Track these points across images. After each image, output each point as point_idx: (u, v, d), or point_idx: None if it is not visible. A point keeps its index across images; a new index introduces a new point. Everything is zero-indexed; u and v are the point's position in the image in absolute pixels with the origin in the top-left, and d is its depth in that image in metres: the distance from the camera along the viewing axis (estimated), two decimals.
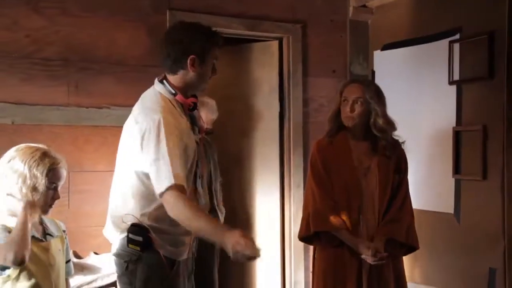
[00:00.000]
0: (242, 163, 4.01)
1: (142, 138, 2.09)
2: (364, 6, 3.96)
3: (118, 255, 2.23)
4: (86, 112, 3.22)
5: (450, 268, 3.42)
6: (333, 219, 2.64)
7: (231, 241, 1.91)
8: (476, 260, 3.24)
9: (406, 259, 3.73)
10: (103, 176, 3.19)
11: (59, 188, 2.07)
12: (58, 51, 3.16)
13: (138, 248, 2.13)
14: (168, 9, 3.43)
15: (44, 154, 2.00)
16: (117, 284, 2.30)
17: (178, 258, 2.24)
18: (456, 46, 3.38)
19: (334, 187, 2.70)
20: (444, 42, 3.45)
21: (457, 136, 3.39)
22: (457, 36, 3.38)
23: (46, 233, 2.10)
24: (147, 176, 2.10)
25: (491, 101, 3.18)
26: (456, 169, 3.39)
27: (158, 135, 2.05)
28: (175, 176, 2.01)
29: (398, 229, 2.70)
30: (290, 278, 3.89)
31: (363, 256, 2.63)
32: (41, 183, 1.97)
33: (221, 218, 3.66)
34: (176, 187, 2.01)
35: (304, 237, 2.79)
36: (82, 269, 3.02)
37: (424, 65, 3.64)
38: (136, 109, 2.23)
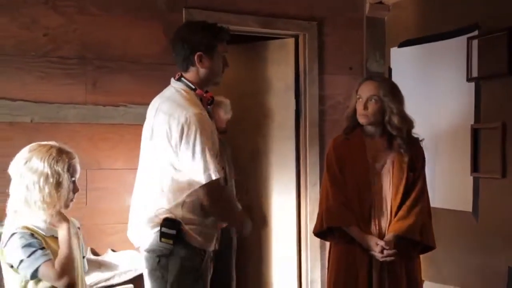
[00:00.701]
0: (258, 161, 4.03)
1: (182, 131, 2.19)
2: (381, 2, 3.95)
3: (150, 250, 2.29)
4: (104, 110, 3.24)
5: (468, 266, 3.43)
6: (344, 215, 2.66)
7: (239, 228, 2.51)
8: (494, 258, 3.24)
9: (422, 258, 3.76)
10: (120, 173, 3.23)
11: (77, 182, 2.09)
12: (75, 49, 3.19)
13: (171, 242, 2.21)
14: (184, 7, 3.44)
15: (60, 150, 2.02)
16: (148, 279, 2.35)
17: (208, 248, 2.34)
18: (475, 43, 3.38)
19: (347, 184, 2.70)
20: (462, 39, 3.44)
21: (475, 133, 3.39)
22: (476, 33, 3.37)
23: None
24: (181, 167, 2.24)
25: (510, 98, 3.17)
26: (475, 167, 3.39)
27: (197, 129, 2.18)
28: (219, 170, 2.21)
29: (411, 227, 2.66)
30: (306, 276, 3.90)
31: (372, 253, 2.63)
32: (65, 178, 1.99)
33: None
34: (219, 180, 2.23)
35: (318, 233, 2.84)
36: (100, 266, 3.05)
37: (442, 62, 3.64)
38: (165, 106, 2.29)
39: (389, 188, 2.70)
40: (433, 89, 3.71)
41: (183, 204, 2.24)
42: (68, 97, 3.16)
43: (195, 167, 2.18)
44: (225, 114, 3.67)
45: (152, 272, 2.30)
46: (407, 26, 3.92)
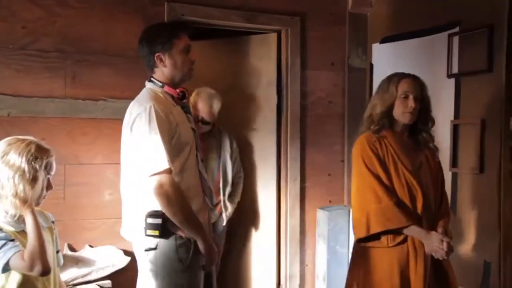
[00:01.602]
0: (240, 155, 4.01)
1: (134, 122, 2.26)
2: None
3: (140, 245, 2.34)
4: (83, 104, 3.19)
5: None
6: (403, 215, 2.53)
7: (205, 249, 2.29)
8: (471, 252, 3.28)
9: None
10: (100, 168, 3.20)
11: (51, 179, 2.07)
12: (54, 42, 3.13)
13: (157, 233, 2.24)
14: (166, 1, 3.40)
15: (39, 147, 2.00)
16: (141, 274, 2.40)
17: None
18: (455, 39, 3.42)
19: (394, 184, 2.61)
20: (443, 35, 3.48)
21: (455, 129, 3.43)
22: (456, 29, 3.41)
23: None
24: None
25: (490, 94, 3.21)
26: (454, 162, 3.44)
27: (149, 120, 2.22)
28: (168, 161, 2.19)
29: (449, 223, 2.66)
30: (285, 271, 3.90)
31: (429, 251, 2.53)
32: (41, 175, 1.98)
33: (224, 215, 3.69)
34: (170, 171, 2.21)
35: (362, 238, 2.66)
36: (77, 262, 3.02)
37: (423, 58, 3.67)
38: (131, 105, 2.38)
39: (430, 185, 2.65)
40: None
41: None
42: (46, 90, 3.10)
43: (143, 157, 2.22)
44: (204, 105, 3.63)
45: (147, 266, 2.33)
46: (389, 22, 3.94)
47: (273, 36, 3.91)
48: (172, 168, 2.22)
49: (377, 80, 3.99)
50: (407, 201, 2.58)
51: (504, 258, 3.11)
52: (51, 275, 2.03)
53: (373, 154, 2.61)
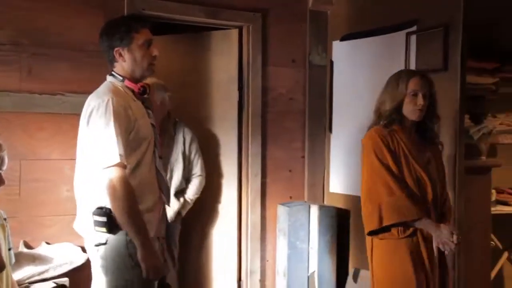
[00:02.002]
0: (200, 151, 3.99)
1: (90, 115, 2.24)
2: None
3: (90, 240, 2.32)
4: (39, 98, 3.12)
5: None
6: (415, 208, 2.56)
7: (142, 255, 2.21)
8: None
9: (361, 247, 3.82)
10: (57, 164, 3.13)
11: (3, 174, 2.02)
12: (9, 34, 3.05)
13: (104, 229, 2.21)
14: None
15: None
16: (93, 269, 2.37)
17: None
18: (413, 38, 3.40)
19: (405, 177, 2.63)
20: (401, 34, 3.47)
21: None
22: (414, 28, 3.40)
23: None
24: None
25: (445, 92, 3.18)
26: None
27: (105, 113, 2.21)
28: (121, 155, 2.18)
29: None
30: (246, 267, 3.91)
31: (437, 243, 2.58)
32: None
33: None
34: (122, 165, 2.19)
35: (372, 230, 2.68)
36: (34, 259, 2.96)
37: (382, 56, 3.65)
38: (89, 98, 2.35)
39: (437, 180, 2.69)
40: (373, 82, 3.67)
41: None
42: (1, 84, 3.02)
43: (96, 150, 2.21)
44: (157, 98, 3.55)
45: (96, 262, 2.31)
46: (349, 20, 3.92)
47: (235, 32, 3.90)
48: (125, 163, 2.20)
49: (337, 77, 4.02)
50: (418, 194, 2.62)
51: (459, 251, 3.15)
52: (3, 274, 1.98)
53: (384, 147, 2.64)
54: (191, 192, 3.63)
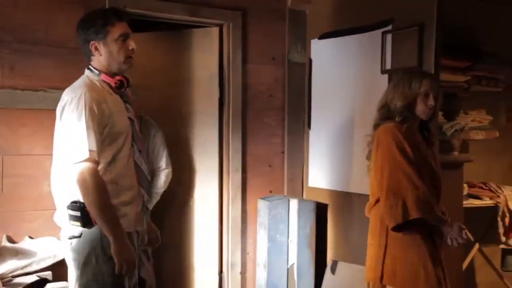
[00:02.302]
0: (181, 147, 3.98)
1: (63, 109, 2.23)
2: None
3: (65, 233, 2.30)
4: (22, 94, 3.09)
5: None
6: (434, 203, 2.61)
7: (115, 249, 2.18)
8: None
9: (337, 239, 3.84)
10: (40, 159, 3.09)
11: None
12: None
13: (79, 224, 2.19)
14: None
15: None
16: (66, 262, 2.34)
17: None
18: (389, 37, 3.41)
19: (421, 173, 2.64)
20: (377, 33, 3.48)
21: None
22: (390, 27, 3.41)
23: None
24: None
25: None
26: None
27: (77, 108, 2.18)
28: (91, 150, 2.16)
29: None
30: (227, 259, 3.92)
31: (447, 239, 2.62)
32: None
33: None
34: (92, 160, 2.17)
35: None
36: (16, 253, 2.93)
37: (359, 54, 3.66)
38: (65, 91, 2.33)
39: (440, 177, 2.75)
40: (351, 80, 3.75)
41: None
42: None
43: (68, 145, 2.19)
44: None
45: (68, 254, 2.29)
46: (327, 19, 3.93)
47: (215, 30, 3.89)
48: (96, 158, 2.18)
49: (315, 74, 4.03)
50: (432, 190, 2.65)
51: None
52: None
53: (406, 142, 2.64)
54: (157, 186, 3.53)
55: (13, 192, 3.08)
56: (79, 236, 2.23)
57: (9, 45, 3.07)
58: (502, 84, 4.40)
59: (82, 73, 2.45)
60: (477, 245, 4.53)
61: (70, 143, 2.18)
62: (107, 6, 3.25)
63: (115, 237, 2.19)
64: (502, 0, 4.58)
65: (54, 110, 2.97)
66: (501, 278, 4.69)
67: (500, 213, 4.39)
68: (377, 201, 2.73)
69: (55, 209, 2.42)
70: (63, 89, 2.98)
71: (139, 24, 3.59)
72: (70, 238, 2.25)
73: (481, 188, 4.53)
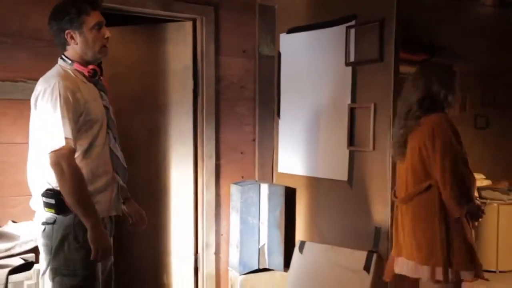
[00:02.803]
0: (157, 136, 3.98)
1: (36, 99, 2.17)
2: None
3: (38, 219, 2.24)
4: (1, 85, 3.04)
5: (344, 227, 3.54)
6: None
7: (91, 236, 2.13)
8: (364, 220, 3.35)
9: (306, 221, 3.89)
10: (20, 147, 3.03)
11: None
12: None
13: (53, 211, 2.14)
14: None
15: None
16: (39, 248, 2.28)
17: None
18: (352, 32, 3.43)
19: None
20: (342, 28, 3.49)
21: (351, 112, 3.45)
22: (353, 23, 3.42)
23: None
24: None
25: (381, 81, 3.25)
26: (351, 142, 3.46)
27: (51, 97, 2.12)
28: (67, 138, 2.11)
29: None
30: (202, 240, 3.93)
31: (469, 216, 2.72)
32: None
33: None
34: (68, 148, 2.11)
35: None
36: (0, 237, 2.91)
37: (324, 48, 3.68)
38: (39, 81, 2.27)
39: None
40: (317, 72, 3.76)
41: None
42: None
43: (44, 134, 2.14)
44: None
45: (39, 240, 2.24)
46: (295, 14, 3.93)
47: (189, 24, 3.87)
48: (72, 145, 2.13)
49: (284, 67, 4.03)
50: None
51: (391, 224, 3.15)
52: None
53: (457, 132, 2.67)
54: None
55: None
56: (53, 223, 2.17)
57: None
58: None
59: None
60: None
61: (46, 132, 2.12)
62: None
63: (92, 225, 2.14)
64: None
65: None
66: None
67: None
68: (428, 187, 2.70)
69: None
70: None
71: (116, 18, 3.56)
72: (43, 224, 2.20)
73: None
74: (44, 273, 2.22)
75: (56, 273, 2.19)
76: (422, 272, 2.72)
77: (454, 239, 2.67)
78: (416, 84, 2.84)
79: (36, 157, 2.22)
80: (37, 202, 2.23)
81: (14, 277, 2.73)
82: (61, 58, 2.29)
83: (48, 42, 3.08)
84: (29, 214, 3.03)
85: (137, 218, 2.57)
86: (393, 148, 2.97)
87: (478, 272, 2.69)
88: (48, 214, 2.17)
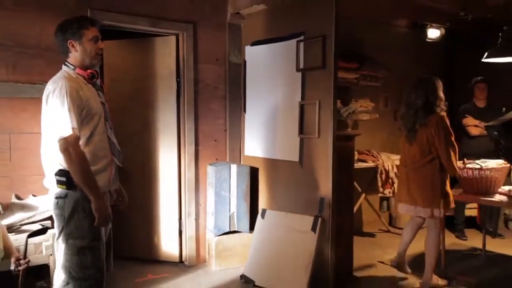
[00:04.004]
0: (148, 128, 3.95)
1: (48, 96, 2.15)
2: (238, 13, 3.98)
3: (52, 194, 2.24)
4: (23, 87, 3.07)
5: (296, 198, 3.58)
6: None
7: (94, 206, 2.13)
8: (312, 193, 3.39)
9: (266, 194, 3.93)
10: (38, 137, 3.01)
11: None
12: None
13: (64, 187, 2.14)
14: (89, 8, 3.30)
15: None
16: (53, 216, 2.28)
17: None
18: (301, 45, 3.46)
19: None
20: (293, 42, 3.51)
21: (301, 108, 3.48)
22: (302, 38, 3.44)
23: None
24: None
25: (324, 84, 3.28)
26: (301, 131, 3.50)
27: (60, 95, 2.11)
28: (74, 127, 2.10)
29: None
30: (185, 210, 3.95)
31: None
32: None
33: None
34: (74, 136, 2.10)
35: None
36: (23, 207, 2.92)
37: (280, 58, 3.67)
38: (48, 83, 2.25)
39: None
40: (274, 76, 3.76)
41: None
42: None
43: (55, 124, 2.12)
44: None
45: (54, 211, 2.24)
46: (257, 31, 3.93)
47: (173, 38, 3.85)
48: (78, 134, 2.11)
49: (248, 72, 4.02)
50: None
51: (333, 195, 3.24)
52: None
53: (449, 126, 3.20)
54: None
55: (19, 161, 3.08)
56: (65, 197, 2.16)
57: (10, 49, 3.04)
58: (380, 80, 4.62)
59: None
60: (363, 195, 4.79)
61: (57, 123, 2.09)
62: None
63: (95, 197, 2.13)
64: (379, 21, 4.87)
65: None
66: (379, 216, 5.00)
67: (378, 172, 4.64)
68: (432, 159, 3.18)
69: None
70: None
71: (114, 33, 3.58)
72: (56, 198, 2.19)
73: (366, 154, 4.73)
74: (58, 237, 2.22)
75: (69, 237, 2.19)
76: (424, 212, 3.23)
77: (447, 191, 3.22)
78: (418, 93, 3.24)
79: (48, 143, 2.20)
80: (50, 181, 2.23)
81: (34, 239, 2.75)
82: (65, 64, 2.27)
83: (58, 53, 3.11)
84: (46, 190, 3.01)
85: (120, 199, 2.53)
86: (406, 136, 3.34)
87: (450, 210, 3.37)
88: (60, 190, 2.16)
